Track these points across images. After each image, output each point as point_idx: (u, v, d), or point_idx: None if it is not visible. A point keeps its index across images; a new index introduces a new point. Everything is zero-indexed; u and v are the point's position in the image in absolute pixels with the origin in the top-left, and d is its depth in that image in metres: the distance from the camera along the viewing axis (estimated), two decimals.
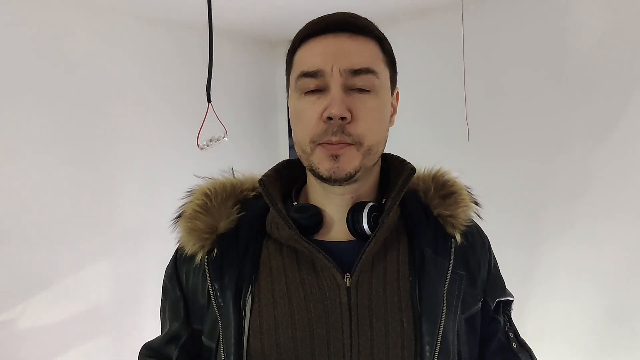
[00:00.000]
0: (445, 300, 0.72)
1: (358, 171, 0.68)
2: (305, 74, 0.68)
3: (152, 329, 0.86)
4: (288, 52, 0.74)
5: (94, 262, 2.35)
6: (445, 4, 2.45)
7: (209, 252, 0.74)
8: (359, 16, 0.71)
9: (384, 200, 0.75)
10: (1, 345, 2.04)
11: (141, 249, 2.48)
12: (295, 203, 0.77)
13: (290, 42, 0.73)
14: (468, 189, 0.82)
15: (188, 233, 0.75)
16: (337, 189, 0.72)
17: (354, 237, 0.73)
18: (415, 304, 0.71)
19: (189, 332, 0.78)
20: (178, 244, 0.79)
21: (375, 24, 0.73)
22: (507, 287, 0.88)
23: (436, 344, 0.69)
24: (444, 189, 0.79)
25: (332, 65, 0.66)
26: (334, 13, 0.71)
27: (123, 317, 2.43)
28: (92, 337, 2.33)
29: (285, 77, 0.77)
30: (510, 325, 0.85)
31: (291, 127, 0.74)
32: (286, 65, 0.75)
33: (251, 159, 2.99)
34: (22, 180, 2.11)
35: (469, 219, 0.80)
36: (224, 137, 1.45)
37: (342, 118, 0.66)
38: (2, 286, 2.05)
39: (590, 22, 2.11)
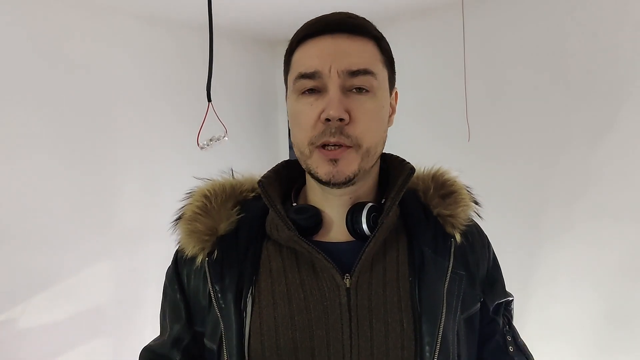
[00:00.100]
0: (445, 300, 0.72)
1: (357, 174, 0.68)
2: (303, 75, 0.68)
3: (152, 329, 0.86)
4: (286, 53, 0.74)
5: (95, 262, 2.35)
6: (445, 3, 2.45)
7: (209, 254, 0.74)
8: (357, 16, 0.71)
9: (384, 200, 0.75)
10: (2, 344, 2.04)
11: (141, 249, 2.48)
12: (294, 204, 0.77)
13: (289, 43, 0.73)
14: (468, 189, 0.82)
15: (188, 235, 0.75)
16: (336, 190, 0.72)
17: (354, 237, 0.73)
18: (415, 304, 0.70)
19: (191, 334, 0.78)
20: (178, 246, 0.79)
21: (375, 24, 0.73)
22: (507, 287, 0.87)
23: (436, 344, 0.69)
24: (444, 189, 0.79)
25: (330, 66, 0.66)
26: (332, 13, 0.71)
27: (123, 317, 2.44)
28: (92, 337, 2.33)
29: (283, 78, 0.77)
30: (509, 327, 0.84)
31: (289, 128, 0.74)
32: (284, 66, 0.75)
33: (251, 159, 2.99)
34: (23, 181, 2.11)
35: (469, 219, 0.80)
36: (224, 136, 1.45)
37: (341, 119, 0.65)
38: (2, 286, 2.05)
39: (591, 22, 2.11)
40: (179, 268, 0.79)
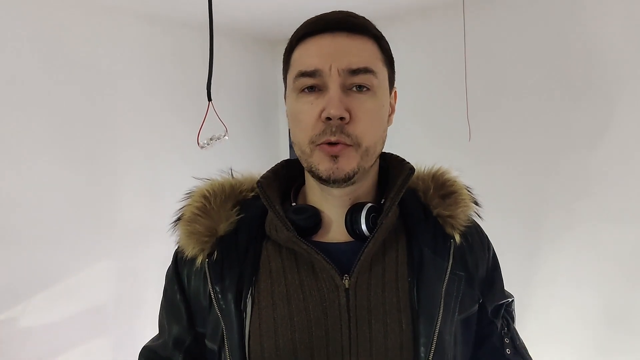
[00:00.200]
0: (442, 300, 0.71)
1: (356, 172, 0.68)
2: (304, 74, 0.67)
3: (152, 329, 0.86)
4: (285, 51, 0.73)
5: (95, 261, 2.35)
6: (446, 3, 2.45)
7: (209, 255, 0.74)
8: (357, 15, 0.71)
9: (383, 200, 0.75)
10: (2, 344, 2.04)
11: (142, 248, 2.48)
12: (293, 204, 0.77)
13: (288, 41, 0.73)
14: (468, 189, 0.81)
15: (187, 236, 0.75)
16: (335, 190, 0.71)
17: (353, 238, 0.73)
18: (413, 305, 0.70)
19: (193, 335, 0.78)
20: (177, 247, 0.79)
21: (376, 23, 0.73)
22: (507, 288, 0.87)
23: (431, 345, 0.69)
24: (444, 189, 0.79)
25: (331, 65, 0.66)
26: (332, 12, 0.71)
27: (124, 317, 2.44)
28: (92, 337, 2.34)
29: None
30: (508, 329, 0.84)
31: (289, 127, 0.74)
32: (283, 64, 0.74)
33: (251, 158, 2.99)
34: (23, 180, 2.11)
35: (469, 219, 0.79)
36: (224, 135, 1.45)
37: (341, 118, 0.65)
38: (3, 285, 2.05)
39: (592, 21, 2.10)
40: (179, 269, 0.79)
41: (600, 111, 2.10)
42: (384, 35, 0.73)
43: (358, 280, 0.70)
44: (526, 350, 0.84)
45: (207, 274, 0.73)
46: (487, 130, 2.36)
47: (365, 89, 0.68)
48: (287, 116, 0.75)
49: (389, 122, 0.75)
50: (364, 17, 0.71)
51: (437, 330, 0.69)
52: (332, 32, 0.68)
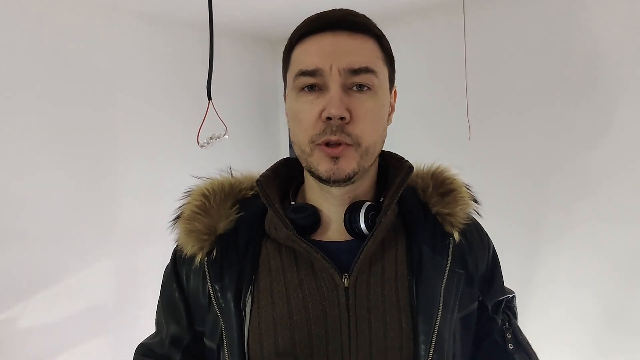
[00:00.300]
0: (442, 299, 0.71)
1: (357, 172, 0.68)
2: (304, 73, 0.67)
3: (152, 329, 0.86)
4: (285, 49, 0.73)
5: (95, 261, 2.35)
6: (446, 2, 2.44)
7: (209, 254, 0.73)
8: (357, 13, 0.71)
9: (382, 199, 0.75)
10: (2, 344, 2.04)
11: (142, 248, 2.48)
12: (292, 203, 0.77)
13: (288, 40, 0.72)
14: (467, 187, 0.81)
15: (187, 234, 0.74)
16: (334, 189, 0.71)
17: (352, 236, 0.73)
18: (413, 303, 0.70)
19: (192, 334, 0.78)
20: (176, 245, 0.78)
21: (376, 22, 0.73)
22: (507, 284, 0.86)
23: (431, 343, 0.68)
24: (443, 187, 0.78)
25: (331, 65, 0.66)
26: (332, 10, 0.70)
27: (123, 317, 2.44)
28: (92, 337, 2.34)
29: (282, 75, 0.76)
30: (509, 324, 0.83)
31: (289, 126, 0.74)
32: (283, 63, 0.74)
33: (251, 158, 2.99)
34: (23, 180, 2.11)
35: (468, 217, 0.79)
36: (224, 134, 1.45)
37: (342, 118, 0.65)
38: (2, 285, 2.05)
39: (592, 21, 2.10)
40: (178, 267, 0.78)
41: (600, 111, 2.10)
42: (383, 34, 0.73)
43: (357, 279, 0.70)
44: (529, 345, 0.83)
45: (207, 272, 0.73)
46: (487, 129, 2.36)
47: (365, 88, 0.67)
48: (287, 115, 0.75)
49: (388, 121, 0.75)
50: (364, 16, 0.71)
51: (436, 329, 0.69)
52: (333, 31, 0.68)
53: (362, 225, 0.71)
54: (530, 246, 2.30)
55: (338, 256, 0.71)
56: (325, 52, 0.66)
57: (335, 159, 0.66)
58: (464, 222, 0.77)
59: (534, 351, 0.82)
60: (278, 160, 0.81)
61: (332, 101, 0.65)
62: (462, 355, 0.77)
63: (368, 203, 0.72)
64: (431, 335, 0.69)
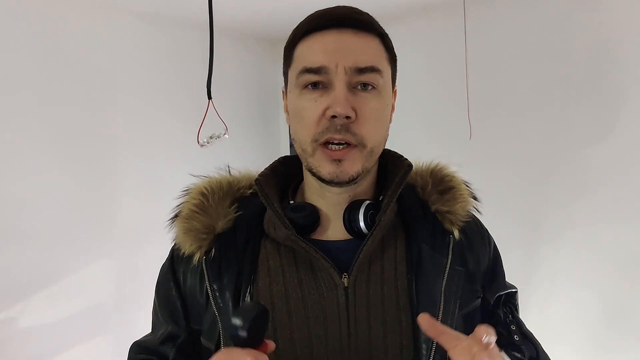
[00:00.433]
0: (442, 297, 0.71)
1: (360, 174, 0.68)
2: (308, 70, 0.66)
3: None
4: (287, 46, 0.72)
5: (95, 261, 2.35)
6: (447, 2, 2.44)
7: (207, 253, 0.73)
8: (361, 11, 0.70)
9: (381, 197, 0.74)
10: (2, 344, 2.04)
11: (142, 247, 2.48)
12: (291, 202, 0.76)
13: (290, 35, 0.71)
14: (466, 184, 0.81)
15: (185, 233, 0.74)
16: (335, 189, 0.71)
17: (351, 235, 0.72)
18: (413, 302, 0.70)
19: (187, 332, 0.77)
20: (173, 244, 0.78)
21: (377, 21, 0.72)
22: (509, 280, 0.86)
23: (432, 342, 0.68)
24: (442, 184, 0.78)
25: (337, 63, 0.65)
26: (336, 7, 0.69)
27: (123, 316, 2.43)
28: (92, 336, 2.33)
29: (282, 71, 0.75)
30: (512, 317, 0.82)
31: (290, 123, 0.73)
32: (284, 59, 0.73)
33: (251, 158, 2.98)
34: (23, 179, 2.11)
35: (468, 214, 0.78)
36: (224, 134, 1.45)
37: (347, 117, 0.64)
38: (2, 285, 2.05)
39: (594, 20, 2.10)
40: (175, 266, 0.78)
41: (600, 111, 2.09)
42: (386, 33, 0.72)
43: (357, 278, 0.70)
44: (534, 335, 0.82)
45: (205, 271, 0.72)
46: (487, 129, 2.36)
47: (370, 87, 0.67)
48: (287, 111, 0.74)
49: (389, 120, 0.74)
50: (368, 14, 0.70)
51: None
52: (338, 29, 0.67)
53: (362, 224, 0.70)
54: (530, 246, 2.30)
55: (337, 255, 0.70)
56: (330, 50, 0.66)
57: (338, 161, 0.66)
58: (464, 219, 0.77)
59: (538, 341, 0.82)
60: (277, 159, 0.80)
61: (338, 100, 0.64)
62: None
63: (367, 202, 0.72)
64: None
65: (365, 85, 0.67)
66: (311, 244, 0.69)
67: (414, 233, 0.74)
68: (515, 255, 2.26)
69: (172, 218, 0.77)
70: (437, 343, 0.68)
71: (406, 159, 0.75)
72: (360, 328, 0.68)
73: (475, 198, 0.80)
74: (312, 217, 0.73)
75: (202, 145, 1.32)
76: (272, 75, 3.20)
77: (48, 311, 2.18)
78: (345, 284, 0.69)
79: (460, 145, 2.34)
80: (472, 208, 0.80)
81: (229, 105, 2.74)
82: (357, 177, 0.67)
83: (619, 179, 2.05)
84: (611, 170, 2.07)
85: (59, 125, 2.22)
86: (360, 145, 0.66)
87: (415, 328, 0.69)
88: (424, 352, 0.68)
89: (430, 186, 0.77)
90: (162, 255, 0.83)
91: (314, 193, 0.75)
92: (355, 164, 0.67)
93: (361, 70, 0.65)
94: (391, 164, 0.77)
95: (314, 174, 0.69)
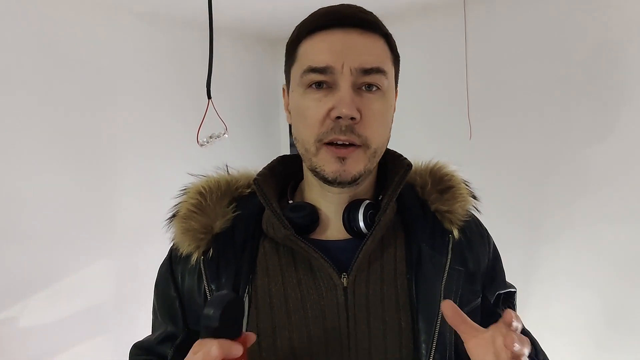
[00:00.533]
0: (442, 297, 0.70)
1: (362, 174, 0.67)
2: (313, 70, 0.65)
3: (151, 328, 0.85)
4: (290, 43, 0.71)
5: (95, 261, 2.34)
6: (447, 1, 2.44)
7: (205, 253, 0.72)
8: (366, 10, 0.69)
9: (381, 197, 0.74)
10: (2, 343, 2.04)
11: (142, 247, 2.48)
12: (290, 201, 0.76)
13: (294, 32, 0.70)
14: (466, 183, 0.80)
15: (183, 233, 0.73)
16: (336, 189, 0.70)
17: (351, 235, 0.72)
18: (413, 302, 0.69)
19: (186, 332, 0.77)
20: (172, 244, 0.77)
21: None
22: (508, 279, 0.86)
23: (432, 342, 0.68)
24: (442, 184, 0.78)
25: (343, 63, 0.64)
26: (341, 5, 0.69)
27: (124, 317, 2.43)
28: (92, 336, 2.33)
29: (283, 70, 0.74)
30: None
31: (292, 122, 0.72)
32: (286, 57, 0.72)
33: (251, 158, 2.98)
34: (23, 179, 2.10)
35: (467, 214, 0.78)
36: (224, 133, 1.45)
37: (352, 118, 0.64)
38: (2, 285, 2.05)
39: (594, 20, 2.10)
40: (173, 266, 0.77)
41: (600, 111, 2.09)
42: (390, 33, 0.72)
43: (356, 278, 0.69)
44: (532, 334, 0.82)
45: (203, 271, 0.72)
46: (487, 129, 2.36)
47: (375, 88, 0.66)
48: (288, 110, 0.73)
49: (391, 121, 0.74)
50: (372, 13, 0.70)
51: (437, 327, 0.68)
52: (343, 28, 0.66)
53: (361, 224, 0.70)
54: (530, 246, 2.30)
55: (337, 255, 0.70)
56: (336, 50, 0.65)
57: (342, 159, 0.65)
58: (463, 218, 0.76)
59: (537, 341, 0.82)
60: (275, 158, 0.80)
61: (343, 100, 0.64)
62: (465, 354, 0.76)
63: (367, 201, 0.72)
64: (433, 334, 0.68)
65: (369, 86, 0.66)
66: (310, 243, 0.69)
67: (414, 233, 0.73)
68: (515, 255, 2.26)
69: (169, 218, 0.76)
70: (436, 343, 0.68)
71: (406, 159, 0.74)
72: (359, 328, 0.68)
73: (474, 197, 0.80)
74: (312, 217, 0.72)
75: (201, 145, 1.32)
76: (272, 75, 3.20)
77: (48, 311, 2.18)
78: (345, 284, 0.69)
79: (460, 145, 2.34)
80: (471, 207, 0.79)
81: (228, 105, 2.74)
82: (359, 178, 0.67)
83: (619, 179, 2.05)
84: (611, 170, 2.07)
85: (59, 125, 2.22)
86: (364, 145, 0.66)
87: (415, 328, 0.68)
88: (424, 351, 0.67)
89: (429, 185, 0.77)
90: (162, 255, 0.83)
91: (314, 192, 0.74)
92: (358, 164, 0.66)
93: (367, 71, 0.65)
94: (391, 164, 0.76)
95: (316, 174, 0.68)
